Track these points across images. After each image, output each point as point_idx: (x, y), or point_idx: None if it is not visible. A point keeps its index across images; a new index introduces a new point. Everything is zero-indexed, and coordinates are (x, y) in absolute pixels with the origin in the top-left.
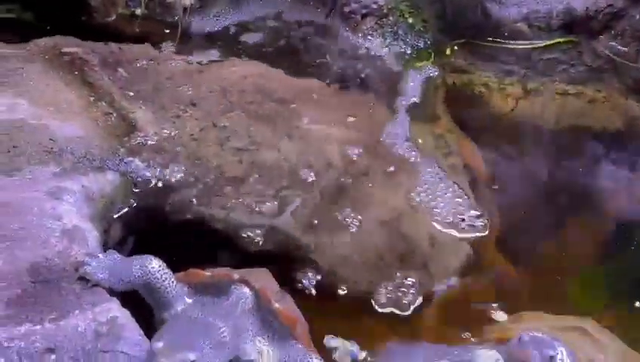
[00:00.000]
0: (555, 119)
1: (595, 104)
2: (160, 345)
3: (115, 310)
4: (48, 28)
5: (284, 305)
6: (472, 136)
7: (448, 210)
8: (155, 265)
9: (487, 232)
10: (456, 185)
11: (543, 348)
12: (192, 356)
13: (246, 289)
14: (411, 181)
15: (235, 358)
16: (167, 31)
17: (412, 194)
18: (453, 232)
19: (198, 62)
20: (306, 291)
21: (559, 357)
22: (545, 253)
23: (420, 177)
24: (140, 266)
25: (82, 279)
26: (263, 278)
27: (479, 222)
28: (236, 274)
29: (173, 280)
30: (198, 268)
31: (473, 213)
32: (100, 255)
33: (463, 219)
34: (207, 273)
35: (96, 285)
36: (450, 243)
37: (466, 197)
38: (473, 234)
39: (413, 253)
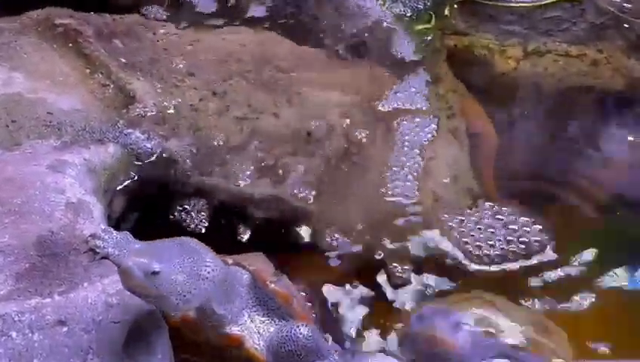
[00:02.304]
0: (557, 80)
1: (597, 65)
2: (136, 246)
3: None
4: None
5: (280, 285)
6: (474, 98)
7: (450, 174)
8: None
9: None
10: (458, 149)
11: (447, 316)
12: (156, 267)
13: (241, 269)
14: (414, 144)
15: (219, 316)
16: (162, 0)
17: (416, 158)
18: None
19: (195, 31)
20: (310, 257)
21: (464, 320)
22: (545, 212)
23: (422, 140)
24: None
25: (90, 251)
26: (259, 262)
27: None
28: (230, 259)
29: None
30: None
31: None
32: (114, 232)
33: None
34: None
35: (104, 258)
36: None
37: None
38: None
39: (416, 218)
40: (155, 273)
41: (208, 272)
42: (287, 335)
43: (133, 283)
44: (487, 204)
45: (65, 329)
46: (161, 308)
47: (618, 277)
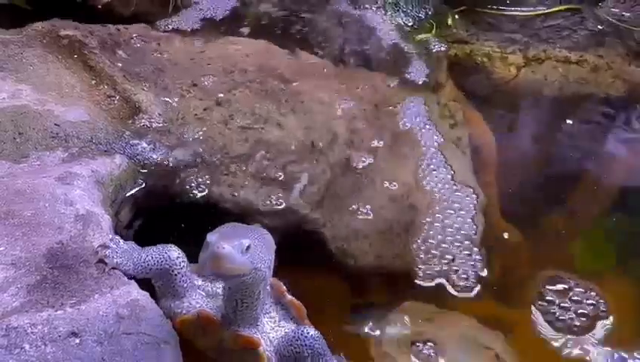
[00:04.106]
0: (558, 87)
1: (597, 71)
2: (215, 236)
3: (135, 292)
4: (44, 12)
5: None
6: (475, 106)
7: (451, 185)
8: (175, 254)
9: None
10: (461, 158)
11: None
12: (246, 242)
13: None
14: (418, 153)
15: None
16: (166, 10)
17: (419, 166)
18: (456, 205)
19: (199, 41)
20: (314, 266)
21: None
22: (549, 218)
23: (426, 150)
24: (160, 254)
25: (100, 263)
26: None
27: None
28: None
29: (189, 270)
30: None
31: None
32: (121, 241)
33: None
34: None
35: (114, 268)
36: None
37: (470, 169)
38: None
39: (423, 226)
40: (248, 248)
41: (270, 241)
42: (294, 336)
43: (232, 265)
44: None
45: (77, 340)
46: (246, 285)
47: None
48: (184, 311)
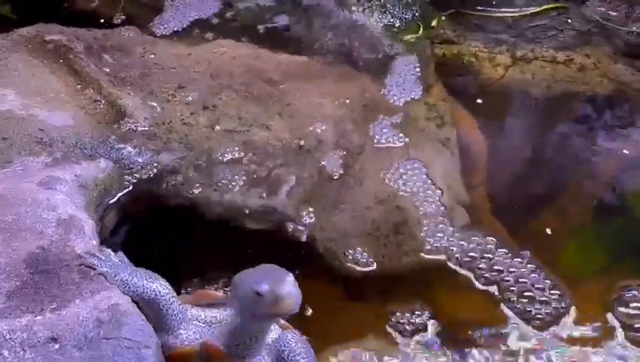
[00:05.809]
0: (546, 86)
1: (585, 70)
2: (265, 286)
3: (116, 297)
4: (29, 19)
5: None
6: (463, 106)
7: (441, 184)
8: (162, 289)
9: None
10: (449, 159)
11: None
12: (289, 277)
13: None
14: (405, 154)
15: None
16: (152, 14)
17: (407, 167)
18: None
19: (185, 44)
20: (304, 268)
21: None
22: (539, 219)
23: (413, 150)
24: (146, 284)
25: (81, 266)
26: None
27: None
28: None
29: (178, 303)
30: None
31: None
32: (112, 253)
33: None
34: (219, 294)
35: (101, 274)
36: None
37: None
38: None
39: (409, 226)
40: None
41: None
42: (278, 341)
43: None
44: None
45: (57, 346)
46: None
47: None
48: (185, 343)
